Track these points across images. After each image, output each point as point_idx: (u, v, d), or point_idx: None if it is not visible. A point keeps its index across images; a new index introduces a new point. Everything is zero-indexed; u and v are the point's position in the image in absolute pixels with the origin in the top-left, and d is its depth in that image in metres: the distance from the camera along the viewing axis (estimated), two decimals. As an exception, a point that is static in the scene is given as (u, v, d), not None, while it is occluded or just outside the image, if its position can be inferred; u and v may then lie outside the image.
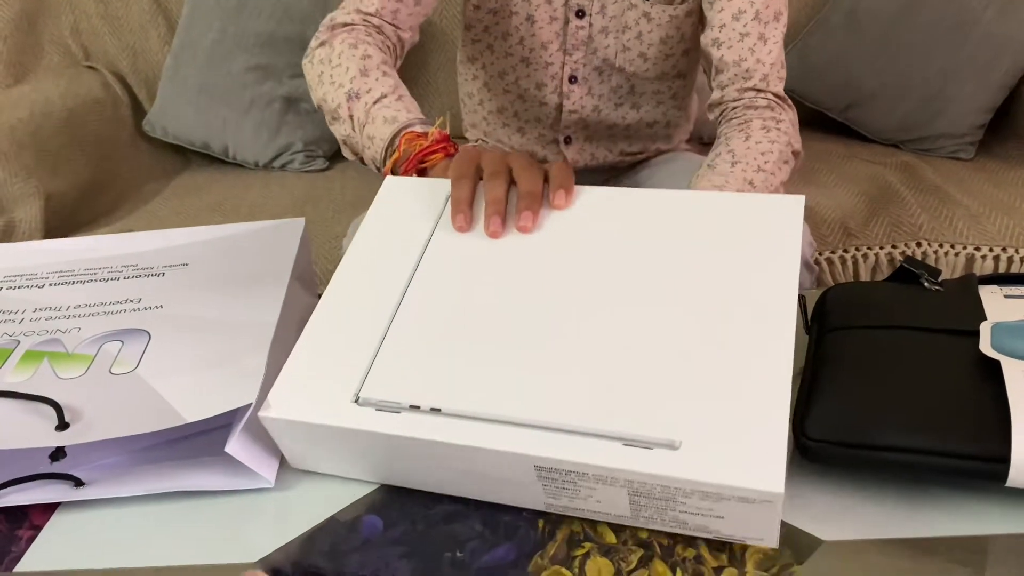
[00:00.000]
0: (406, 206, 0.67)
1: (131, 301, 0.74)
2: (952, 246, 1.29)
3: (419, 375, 0.54)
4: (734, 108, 0.96)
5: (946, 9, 1.55)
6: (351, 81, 0.87)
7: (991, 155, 1.59)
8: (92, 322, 0.71)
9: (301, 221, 0.85)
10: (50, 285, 0.78)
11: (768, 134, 0.91)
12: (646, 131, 1.19)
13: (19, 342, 0.69)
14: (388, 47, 0.94)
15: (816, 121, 1.68)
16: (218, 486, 0.58)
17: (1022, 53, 1.51)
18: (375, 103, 0.85)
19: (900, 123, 1.61)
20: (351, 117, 0.87)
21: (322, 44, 0.93)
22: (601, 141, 1.19)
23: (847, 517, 0.54)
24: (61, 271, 0.80)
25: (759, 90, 0.95)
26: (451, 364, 0.54)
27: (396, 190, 0.70)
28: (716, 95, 0.98)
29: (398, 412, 0.52)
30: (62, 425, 0.58)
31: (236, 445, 0.55)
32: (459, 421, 0.51)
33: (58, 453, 0.59)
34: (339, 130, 0.90)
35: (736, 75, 0.96)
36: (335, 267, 1.31)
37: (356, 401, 0.53)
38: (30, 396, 0.61)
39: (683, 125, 1.22)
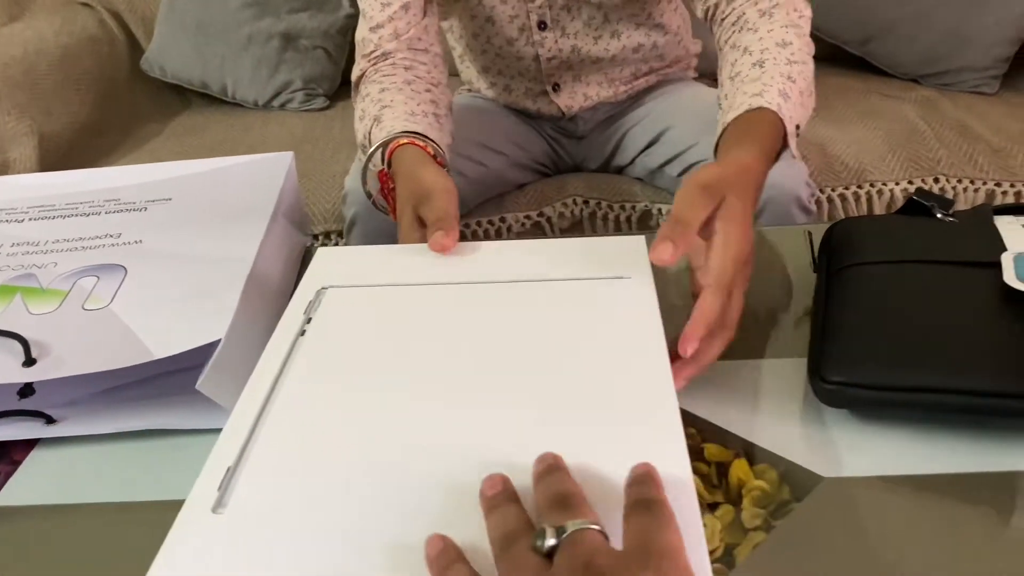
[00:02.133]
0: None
1: (110, 236, 0.71)
2: (972, 181, 1.24)
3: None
4: (722, 10, 0.87)
5: (971, -66, 1.48)
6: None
7: (1016, 89, 1.52)
8: (69, 257, 0.69)
9: (288, 155, 0.82)
10: (29, 220, 0.75)
11: (771, 19, 0.80)
12: (633, 57, 1.13)
13: None
14: (401, 67, 0.92)
15: (832, 56, 1.62)
16: (190, 425, 0.56)
17: (1051, -20, 1.45)
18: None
19: (921, 57, 1.55)
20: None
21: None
22: (591, 77, 1.14)
23: (849, 454, 0.51)
24: (41, 206, 0.77)
25: None
26: None
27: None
28: None
29: None
30: (29, 361, 0.56)
31: (207, 382, 0.53)
32: None
33: (26, 389, 0.57)
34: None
35: None
36: (334, 207, 1.29)
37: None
38: None
39: (677, 46, 1.16)
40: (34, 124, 1.42)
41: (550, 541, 0.36)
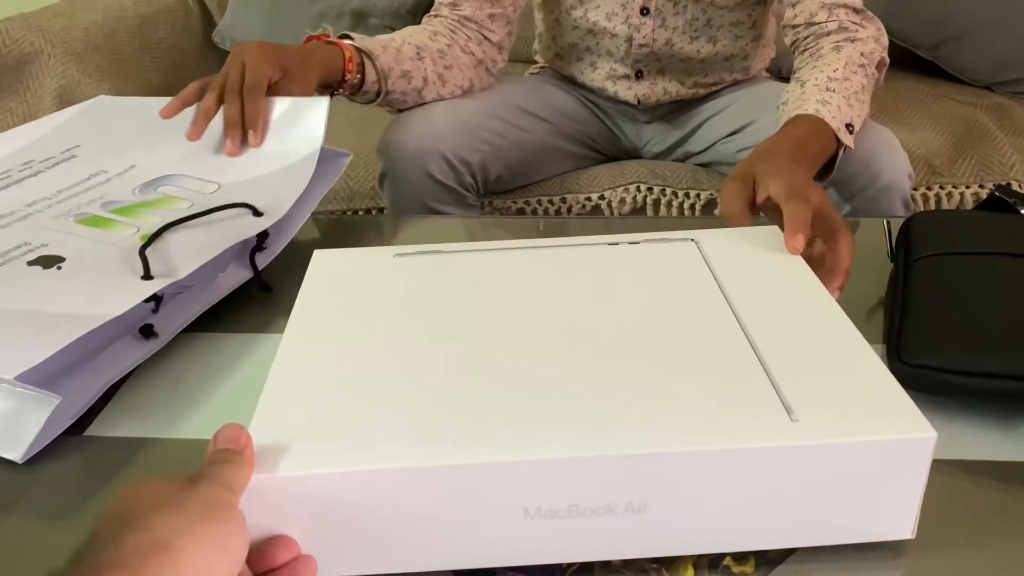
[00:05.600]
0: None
1: (99, 174, 0.74)
2: (1046, 188, 1.22)
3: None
4: (806, 38, 0.95)
5: (1054, -61, 1.45)
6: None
7: (1094, 100, 1.49)
8: (104, 189, 0.72)
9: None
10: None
11: (837, 53, 0.90)
12: (722, 64, 1.14)
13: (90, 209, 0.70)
14: (444, 32, 1.05)
15: (903, 60, 1.59)
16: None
17: None
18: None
19: (995, 63, 1.53)
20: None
21: None
22: (674, 75, 1.15)
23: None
24: None
25: (833, 5, 0.94)
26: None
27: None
28: (789, 14, 0.96)
29: None
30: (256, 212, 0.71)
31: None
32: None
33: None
34: None
35: None
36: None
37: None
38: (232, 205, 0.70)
39: (761, 54, 1.17)
40: (112, 87, 1.46)
41: None
